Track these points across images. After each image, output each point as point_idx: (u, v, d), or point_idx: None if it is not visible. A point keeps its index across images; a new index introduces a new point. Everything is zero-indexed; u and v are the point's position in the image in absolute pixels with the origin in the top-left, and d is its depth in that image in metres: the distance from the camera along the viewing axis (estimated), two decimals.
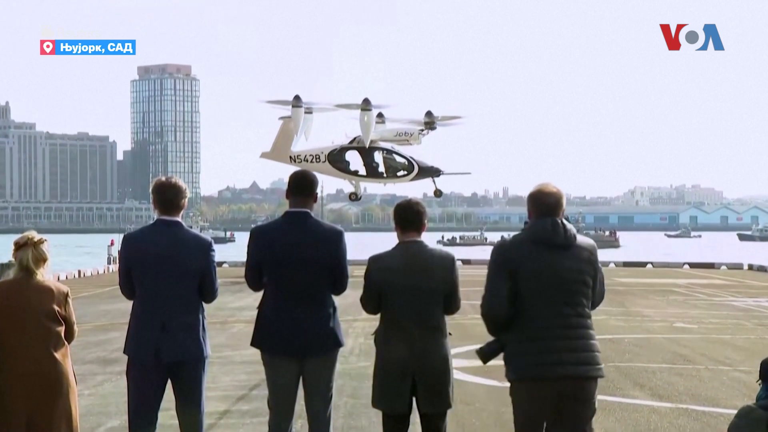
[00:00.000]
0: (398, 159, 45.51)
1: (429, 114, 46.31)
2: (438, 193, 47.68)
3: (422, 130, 46.33)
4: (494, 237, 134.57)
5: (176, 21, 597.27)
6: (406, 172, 45.29)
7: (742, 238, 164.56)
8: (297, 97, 45.31)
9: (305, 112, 45.49)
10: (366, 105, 45.15)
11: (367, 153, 45.86)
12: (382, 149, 46.02)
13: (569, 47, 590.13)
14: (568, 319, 5.78)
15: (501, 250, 5.87)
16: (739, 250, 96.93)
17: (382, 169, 46.10)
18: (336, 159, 45.94)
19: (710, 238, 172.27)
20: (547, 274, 5.77)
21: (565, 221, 5.88)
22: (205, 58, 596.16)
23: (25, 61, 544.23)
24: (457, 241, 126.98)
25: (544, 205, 5.88)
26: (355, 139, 46.41)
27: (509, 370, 5.86)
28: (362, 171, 46.28)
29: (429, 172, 45.68)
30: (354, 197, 48.50)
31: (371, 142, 45.63)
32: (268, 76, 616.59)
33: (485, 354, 5.98)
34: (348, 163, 46.29)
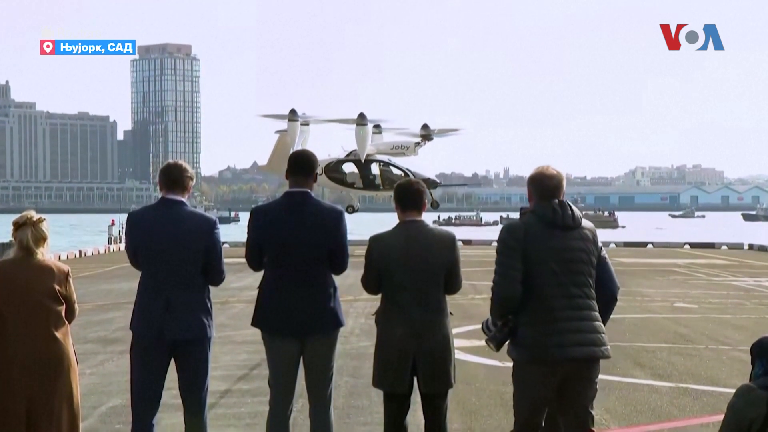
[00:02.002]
0: (395, 171, 45.78)
1: (425, 127, 46.85)
2: (435, 204, 48.28)
3: (418, 143, 46.83)
4: (488, 217, 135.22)
5: (176, 0, 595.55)
6: None
7: (746, 218, 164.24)
8: (293, 111, 45.86)
9: (302, 124, 45.91)
10: (362, 120, 45.82)
11: (363, 165, 46.48)
12: (379, 161, 46.57)
13: (571, 42, 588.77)
14: (576, 300, 5.83)
15: (512, 231, 5.88)
16: (745, 231, 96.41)
17: (378, 181, 46.71)
18: (333, 171, 46.43)
19: (714, 218, 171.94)
20: (556, 255, 5.81)
21: (570, 203, 5.94)
22: (206, 37, 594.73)
23: (25, 40, 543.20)
24: (453, 221, 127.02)
25: (545, 187, 5.91)
26: (351, 153, 47.04)
27: (517, 351, 5.87)
28: (359, 183, 46.69)
29: (426, 184, 45.93)
30: (351, 210, 48.77)
31: (368, 155, 46.15)
32: (269, 58, 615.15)
33: (499, 341, 5.97)
34: (345, 175, 46.73)
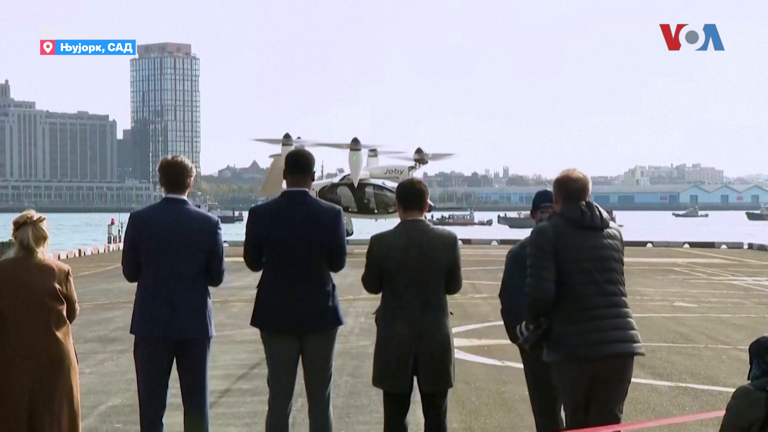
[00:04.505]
0: (389, 194, 46.02)
1: (419, 151, 47.21)
2: None
3: (412, 167, 47.17)
4: (486, 217, 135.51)
5: (176, 0, 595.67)
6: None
7: (751, 217, 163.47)
8: (287, 136, 46.34)
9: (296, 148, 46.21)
10: (355, 145, 46.12)
11: (357, 189, 46.81)
12: (373, 185, 46.83)
13: (571, 42, 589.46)
14: (611, 298, 5.97)
15: (542, 234, 5.99)
16: (752, 230, 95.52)
17: (373, 204, 46.95)
18: (327, 195, 46.78)
19: (719, 218, 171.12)
20: (588, 255, 5.93)
21: (597, 205, 6.07)
22: (206, 37, 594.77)
23: (25, 40, 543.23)
24: (447, 219, 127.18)
25: (571, 190, 6.04)
26: (344, 177, 47.59)
27: (555, 351, 5.94)
28: (353, 207, 46.87)
29: None
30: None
31: (361, 179, 46.58)
32: (269, 57, 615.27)
33: (533, 342, 6.07)
34: (339, 198, 46.97)
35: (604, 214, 6.03)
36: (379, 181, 47.20)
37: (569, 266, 5.88)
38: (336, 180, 48.39)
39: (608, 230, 6.03)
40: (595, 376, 5.89)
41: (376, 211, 47.07)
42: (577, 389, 5.91)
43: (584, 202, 6.01)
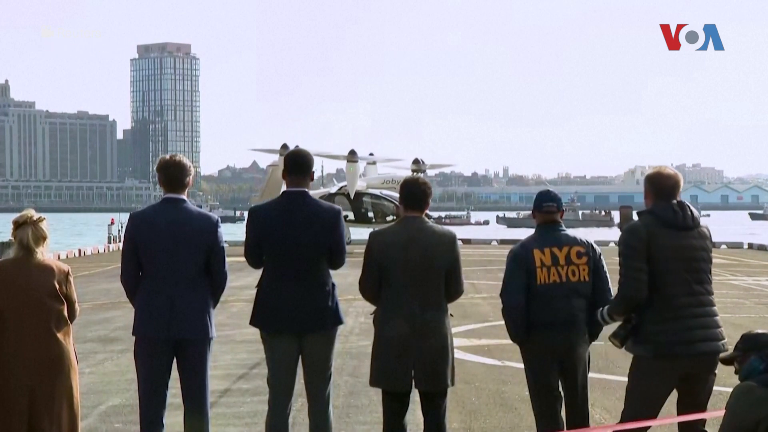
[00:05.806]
0: (386, 203, 46.06)
1: (416, 161, 47.25)
2: None
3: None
4: (485, 217, 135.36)
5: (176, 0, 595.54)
6: (394, 217, 45.80)
7: (754, 217, 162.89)
8: (284, 146, 46.24)
9: None
10: (352, 157, 46.17)
11: (355, 198, 46.91)
12: (371, 194, 46.95)
13: (571, 42, 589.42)
14: (699, 297, 6.06)
15: (633, 233, 6.08)
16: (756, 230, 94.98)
17: (371, 214, 47.01)
18: None
19: (719, 217, 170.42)
20: (679, 254, 6.02)
21: (689, 203, 6.14)
22: (205, 36, 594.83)
23: (24, 39, 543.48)
24: (444, 219, 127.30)
25: (663, 187, 6.12)
26: (341, 188, 47.70)
27: (643, 347, 6.03)
28: (351, 216, 46.90)
29: None
30: None
31: (358, 190, 46.63)
32: (269, 57, 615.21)
33: (623, 338, 6.16)
34: None
35: (695, 213, 6.10)
36: (376, 191, 47.28)
37: (660, 265, 5.99)
38: (333, 190, 48.48)
39: (699, 229, 6.12)
40: (684, 373, 6.02)
41: (374, 220, 47.11)
42: (659, 386, 6.03)
43: (676, 201, 6.09)
